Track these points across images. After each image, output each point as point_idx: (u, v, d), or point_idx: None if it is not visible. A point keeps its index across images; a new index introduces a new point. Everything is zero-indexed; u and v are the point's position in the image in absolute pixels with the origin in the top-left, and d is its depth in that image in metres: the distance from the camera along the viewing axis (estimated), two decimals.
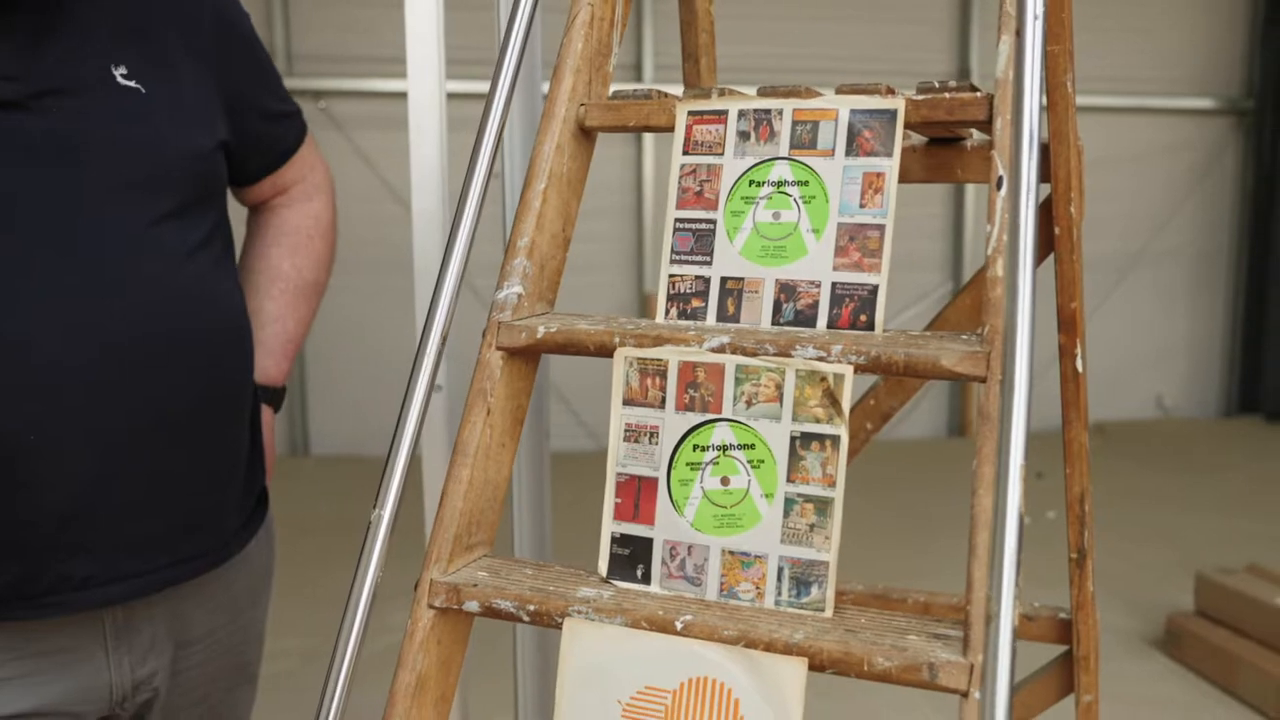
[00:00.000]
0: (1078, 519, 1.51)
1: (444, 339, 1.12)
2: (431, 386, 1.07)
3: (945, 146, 1.39)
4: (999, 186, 0.98)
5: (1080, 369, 1.43)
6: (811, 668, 0.94)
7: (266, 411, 1.60)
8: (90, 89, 1.28)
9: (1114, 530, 5.20)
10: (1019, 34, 0.94)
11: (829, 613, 0.99)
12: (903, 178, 1.16)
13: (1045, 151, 1.36)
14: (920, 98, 1.06)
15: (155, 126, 1.31)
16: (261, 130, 1.51)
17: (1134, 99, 7.74)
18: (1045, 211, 1.39)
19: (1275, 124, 7.90)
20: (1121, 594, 4.31)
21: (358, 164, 6.81)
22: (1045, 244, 1.40)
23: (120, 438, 1.27)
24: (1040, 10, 0.94)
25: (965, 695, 0.89)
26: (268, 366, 1.58)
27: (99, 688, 1.36)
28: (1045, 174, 1.37)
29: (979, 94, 1.06)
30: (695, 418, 1.03)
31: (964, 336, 1.02)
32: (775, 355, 1.01)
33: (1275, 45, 7.86)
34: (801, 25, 7.26)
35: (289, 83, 5.67)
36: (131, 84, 1.30)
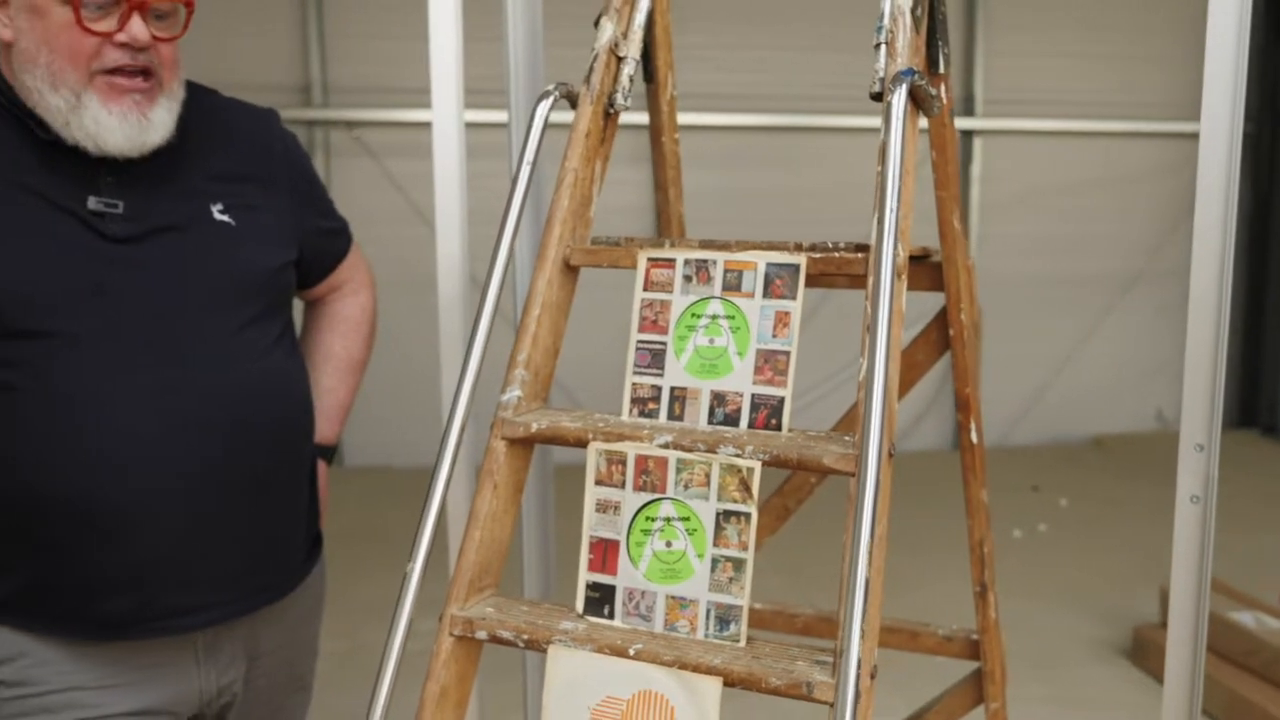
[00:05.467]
0: (979, 560, 1.86)
1: (462, 427, 1.48)
2: (451, 471, 1.43)
3: None
4: (869, 330, 1.32)
5: (975, 440, 1.77)
6: (726, 684, 1.29)
7: (321, 465, 1.96)
8: (193, 224, 1.65)
9: (1096, 542, 5.53)
10: (880, 221, 1.29)
11: (744, 643, 1.35)
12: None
13: (939, 269, 1.71)
14: (817, 255, 1.42)
15: (243, 253, 1.68)
16: (320, 245, 1.88)
17: (1135, 123, 8.05)
18: (942, 317, 1.74)
19: (1273, 146, 8.19)
20: (1095, 603, 4.63)
21: (388, 189, 7.20)
22: (943, 343, 1.75)
23: (216, 498, 1.63)
24: (895, 204, 1.29)
25: (832, 706, 1.24)
26: (324, 429, 1.94)
27: (191, 693, 1.72)
28: (940, 285, 1.73)
29: (860, 255, 1.41)
30: (647, 496, 1.39)
31: (845, 438, 1.37)
32: (705, 452, 1.37)
33: (1273, 69, 8.14)
34: (761, 54, 7.54)
35: (325, 113, 6.07)
36: (225, 218, 1.67)
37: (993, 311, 7.87)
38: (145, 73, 1.56)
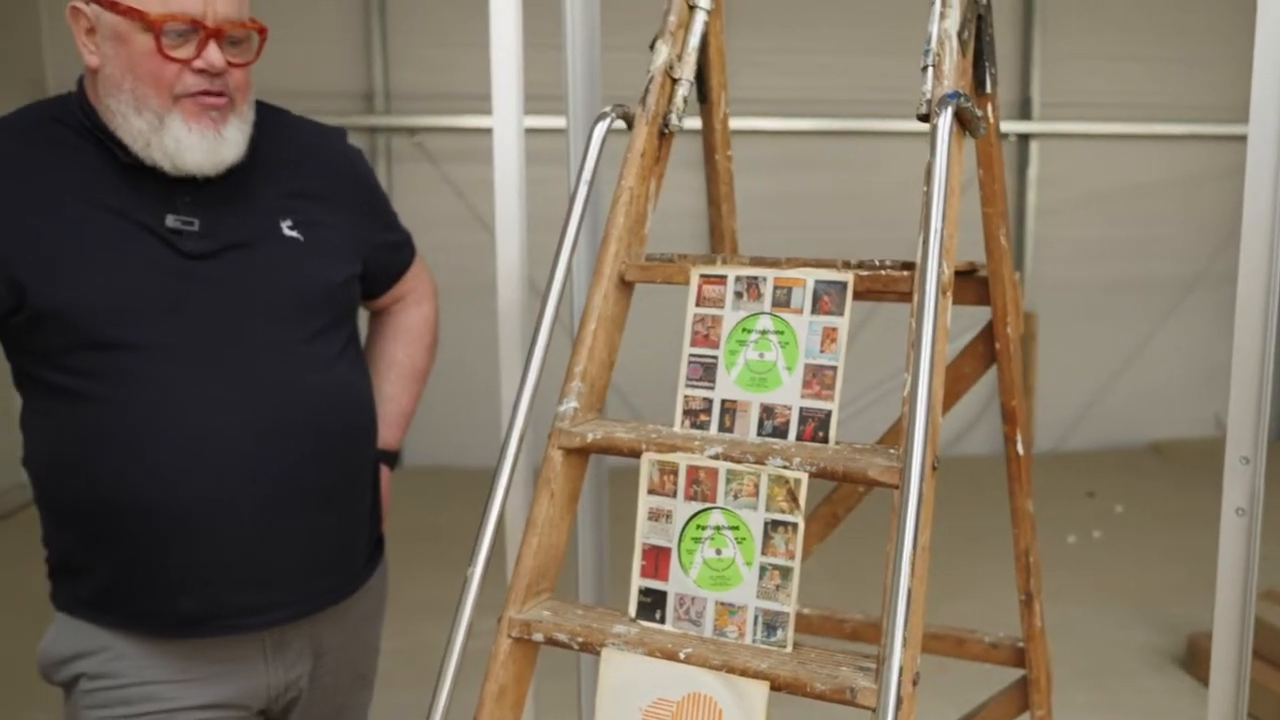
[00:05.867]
0: (1024, 568, 1.89)
1: (521, 439, 1.54)
2: (511, 480, 1.49)
3: None
4: (914, 346, 1.37)
5: (1021, 452, 1.80)
6: (772, 689, 1.34)
7: (384, 470, 2.03)
8: (262, 240, 1.72)
9: (1152, 549, 5.49)
10: (925, 241, 1.33)
11: (789, 648, 1.39)
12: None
13: (985, 284, 1.75)
14: (864, 273, 1.46)
15: (310, 267, 1.75)
16: (384, 258, 1.95)
17: (1195, 126, 7.94)
18: (989, 331, 1.78)
19: None
20: (1150, 611, 4.61)
21: (449, 195, 7.30)
22: (989, 355, 1.78)
23: (281, 505, 1.70)
24: (940, 224, 1.33)
25: (874, 711, 1.28)
26: (386, 435, 2.01)
27: (259, 688, 1.80)
28: (986, 299, 1.76)
29: (907, 273, 1.45)
30: (698, 505, 1.45)
31: (890, 451, 1.42)
32: (754, 463, 1.42)
33: None
34: (816, 58, 7.53)
35: (387, 120, 6.19)
36: (294, 234, 1.75)
37: (1049, 316, 7.82)
38: (220, 94, 1.64)
